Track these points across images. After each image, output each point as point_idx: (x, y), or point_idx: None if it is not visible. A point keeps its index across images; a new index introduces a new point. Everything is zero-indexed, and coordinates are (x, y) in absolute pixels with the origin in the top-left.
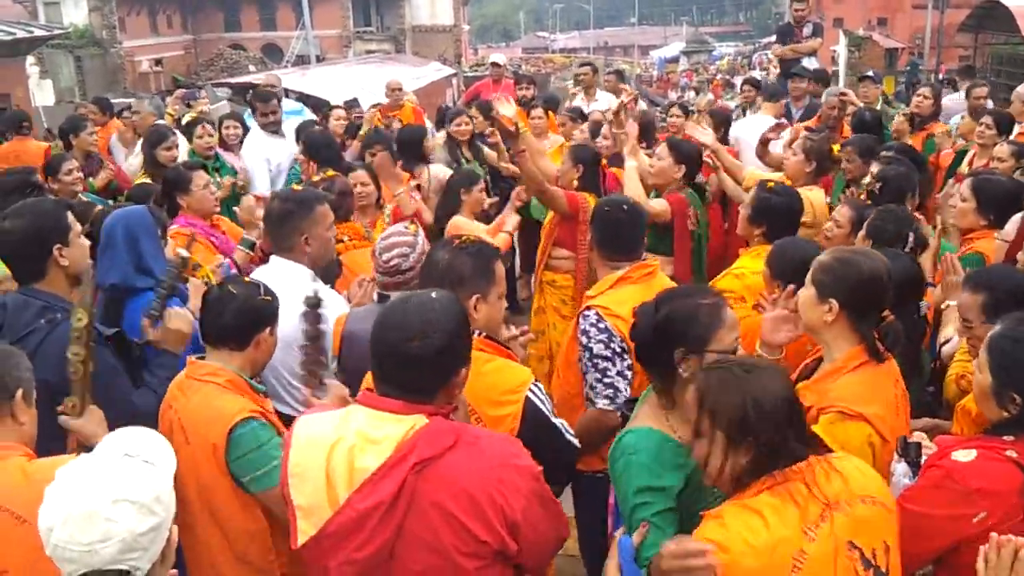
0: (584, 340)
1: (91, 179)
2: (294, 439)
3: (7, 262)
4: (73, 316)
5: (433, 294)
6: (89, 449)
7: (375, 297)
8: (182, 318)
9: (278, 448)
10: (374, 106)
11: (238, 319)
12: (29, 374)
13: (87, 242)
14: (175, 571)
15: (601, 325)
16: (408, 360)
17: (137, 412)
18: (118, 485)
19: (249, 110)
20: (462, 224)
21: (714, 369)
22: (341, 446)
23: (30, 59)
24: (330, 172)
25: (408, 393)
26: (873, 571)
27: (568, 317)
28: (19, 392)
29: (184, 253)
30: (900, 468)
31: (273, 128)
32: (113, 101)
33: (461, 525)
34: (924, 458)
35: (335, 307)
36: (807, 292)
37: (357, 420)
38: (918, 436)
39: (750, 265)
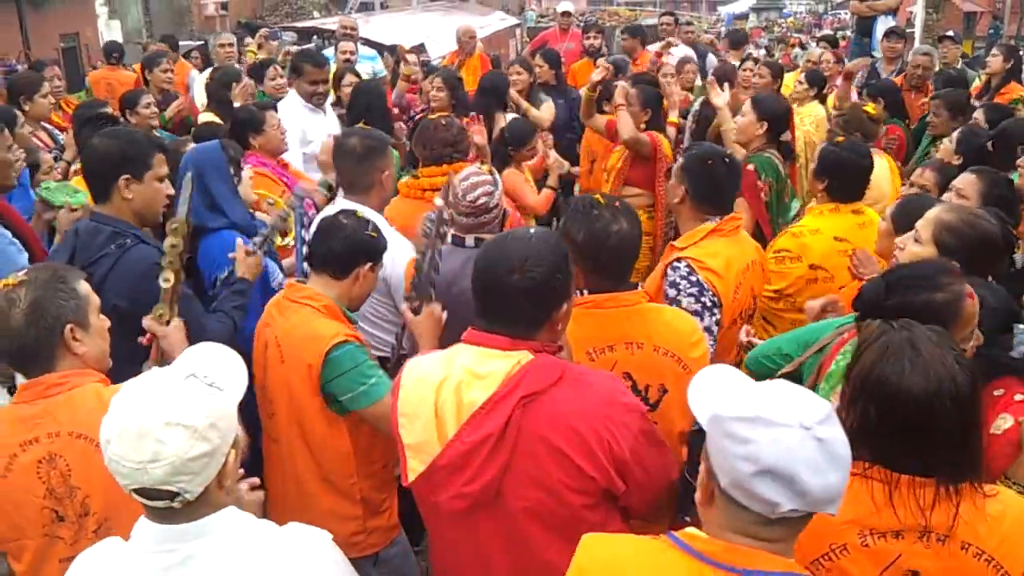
0: (673, 292)
1: (164, 114)
2: (403, 381)
3: (86, 178)
4: (169, 235)
5: (531, 230)
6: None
7: (449, 239)
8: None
9: (374, 367)
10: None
11: (344, 247)
12: (77, 301)
13: (165, 188)
14: (255, 479)
15: (693, 278)
16: (509, 293)
17: (210, 334)
18: (173, 408)
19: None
20: (514, 180)
21: None
22: (449, 382)
23: None
24: (445, 111)
25: (512, 328)
26: None
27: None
28: (67, 328)
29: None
30: None
31: (317, 101)
32: (180, 43)
33: (568, 459)
34: None
35: (403, 251)
36: (926, 251)
37: (464, 357)
38: None
39: (809, 224)
